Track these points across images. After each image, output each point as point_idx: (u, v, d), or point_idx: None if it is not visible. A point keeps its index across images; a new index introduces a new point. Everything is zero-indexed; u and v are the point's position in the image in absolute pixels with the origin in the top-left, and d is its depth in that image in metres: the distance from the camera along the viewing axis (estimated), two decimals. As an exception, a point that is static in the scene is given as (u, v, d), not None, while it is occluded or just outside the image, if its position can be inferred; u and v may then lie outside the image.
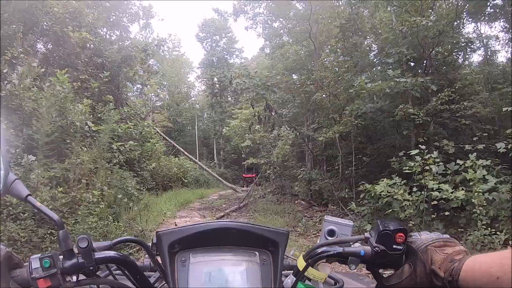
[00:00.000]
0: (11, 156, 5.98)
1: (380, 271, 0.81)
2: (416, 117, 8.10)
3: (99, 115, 12.94)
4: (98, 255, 0.74)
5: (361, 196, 7.80)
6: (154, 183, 16.37)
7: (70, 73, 10.36)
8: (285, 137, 18.04)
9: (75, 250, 0.72)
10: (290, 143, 17.46)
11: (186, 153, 23.27)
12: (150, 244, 0.95)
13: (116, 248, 0.93)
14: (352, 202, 8.52)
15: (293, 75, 15.49)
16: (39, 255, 0.70)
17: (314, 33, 13.72)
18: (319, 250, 0.79)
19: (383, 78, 8.49)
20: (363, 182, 7.61)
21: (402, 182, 6.63)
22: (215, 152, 39.48)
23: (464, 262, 0.65)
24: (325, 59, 12.02)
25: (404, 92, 8.15)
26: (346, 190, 10.07)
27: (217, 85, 40.96)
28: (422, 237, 0.76)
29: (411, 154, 6.68)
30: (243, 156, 28.34)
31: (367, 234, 0.80)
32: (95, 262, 0.72)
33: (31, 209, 5.29)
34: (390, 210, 6.59)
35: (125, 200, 8.03)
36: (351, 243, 0.80)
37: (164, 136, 21.77)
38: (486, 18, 12.80)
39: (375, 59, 11.67)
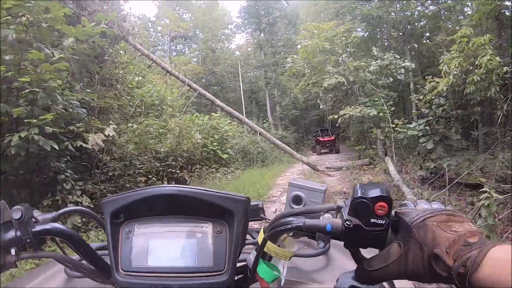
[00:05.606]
0: None
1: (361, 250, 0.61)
2: None
3: None
4: (38, 227, 0.67)
5: None
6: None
7: None
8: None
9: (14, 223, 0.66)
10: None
11: (218, 102, 12.21)
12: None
13: (62, 220, 0.71)
14: None
15: None
16: None
17: None
18: (281, 221, 0.63)
19: None
20: None
21: None
22: (268, 108, 28.74)
23: (489, 251, 0.45)
24: None
25: None
26: None
27: (264, 19, 29.44)
28: (418, 208, 0.56)
29: None
30: (321, 107, 18.16)
31: (340, 203, 0.61)
32: (32, 235, 0.66)
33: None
34: None
35: None
36: (322, 213, 0.63)
37: (171, 71, 10.84)
38: None
39: None
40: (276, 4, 30.33)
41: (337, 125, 14.74)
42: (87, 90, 6.00)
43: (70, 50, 5.19)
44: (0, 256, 0.63)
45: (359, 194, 0.55)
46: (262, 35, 30.27)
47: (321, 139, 23.59)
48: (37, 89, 3.96)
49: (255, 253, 0.68)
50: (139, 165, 7.86)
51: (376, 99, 13.28)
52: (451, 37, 8.44)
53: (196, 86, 11.67)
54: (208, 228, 0.73)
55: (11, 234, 0.64)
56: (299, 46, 15.17)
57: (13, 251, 0.64)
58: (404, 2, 19.45)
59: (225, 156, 12.91)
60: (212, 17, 34.75)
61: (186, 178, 9.33)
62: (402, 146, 10.73)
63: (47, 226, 0.68)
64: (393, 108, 13.67)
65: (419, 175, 9.15)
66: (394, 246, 0.54)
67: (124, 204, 0.71)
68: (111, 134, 5.55)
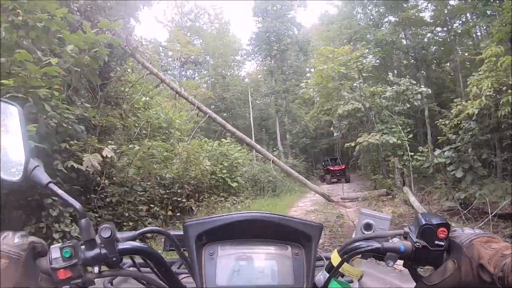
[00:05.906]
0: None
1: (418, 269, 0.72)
2: None
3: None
4: (121, 245, 0.68)
5: None
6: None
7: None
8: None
9: (98, 240, 0.66)
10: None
11: (229, 127, 11.72)
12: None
13: (141, 240, 0.77)
14: None
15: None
16: (59, 244, 0.65)
17: None
18: (355, 245, 0.71)
19: None
20: None
21: None
22: (278, 136, 28.21)
23: None
24: None
25: None
26: None
27: (275, 46, 29.48)
28: (466, 232, 0.69)
29: None
30: (334, 135, 17.72)
31: (406, 229, 0.73)
32: (118, 253, 0.67)
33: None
34: None
35: None
36: (389, 238, 0.72)
37: (181, 92, 10.38)
38: None
39: None
40: (287, 31, 30.46)
41: (354, 153, 14.05)
42: (86, 105, 5.46)
43: (71, 60, 4.69)
44: (82, 274, 0.63)
45: (424, 222, 0.67)
46: (272, 61, 30.17)
47: (331, 168, 23.08)
48: (20, 95, 3.41)
49: (325, 273, 0.75)
50: (141, 191, 7.17)
51: (393, 126, 12.68)
52: (479, 56, 7.90)
53: (206, 109, 11.19)
54: (287, 250, 0.79)
55: (95, 251, 0.64)
56: (308, 74, 14.77)
57: (96, 269, 0.65)
58: (414, 29, 19.29)
59: (234, 184, 12.21)
60: (223, 43, 34.92)
61: (193, 207, 8.58)
62: (426, 175, 9.98)
63: (130, 245, 0.69)
64: (410, 136, 13.04)
65: (447, 206, 8.36)
66: (449, 263, 0.65)
67: (209, 227, 0.75)
68: (109, 155, 4.95)
